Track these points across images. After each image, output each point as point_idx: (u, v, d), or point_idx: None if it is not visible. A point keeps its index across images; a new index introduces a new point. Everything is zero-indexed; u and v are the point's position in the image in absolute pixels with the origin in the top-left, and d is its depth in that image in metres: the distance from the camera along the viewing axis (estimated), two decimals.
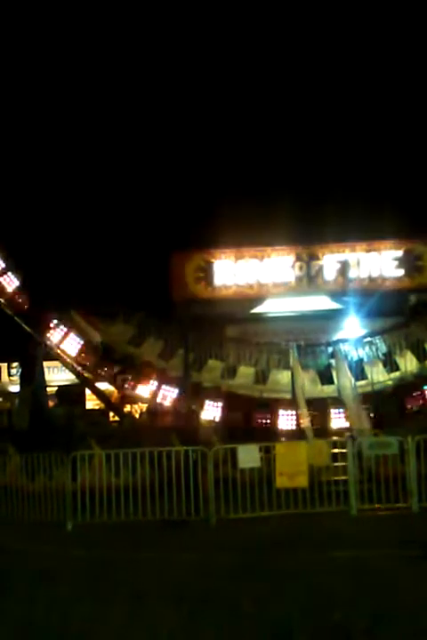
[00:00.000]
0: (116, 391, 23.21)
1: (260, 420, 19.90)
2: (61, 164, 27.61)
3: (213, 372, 21.39)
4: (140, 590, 8.81)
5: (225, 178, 26.85)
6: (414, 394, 20.11)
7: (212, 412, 20.13)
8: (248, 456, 13.99)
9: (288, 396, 20.31)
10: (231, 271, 22.77)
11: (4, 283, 21.76)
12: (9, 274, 21.81)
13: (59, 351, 21.85)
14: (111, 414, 24.28)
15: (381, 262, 22.77)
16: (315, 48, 29.47)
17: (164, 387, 20.75)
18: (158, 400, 20.79)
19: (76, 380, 24.09)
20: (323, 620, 7.31)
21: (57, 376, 28.54)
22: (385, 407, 19.37)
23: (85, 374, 22.40)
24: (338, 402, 19.82)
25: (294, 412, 19.44)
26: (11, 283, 21.85)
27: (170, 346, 21.72)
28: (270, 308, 23.03)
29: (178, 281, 22.48)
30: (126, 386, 21.09)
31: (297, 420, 19.45)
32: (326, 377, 20.93)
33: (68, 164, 27.64)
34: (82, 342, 21.32)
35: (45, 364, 24.78)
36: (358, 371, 20.72)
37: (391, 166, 26.35)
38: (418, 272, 22.58)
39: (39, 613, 7.98)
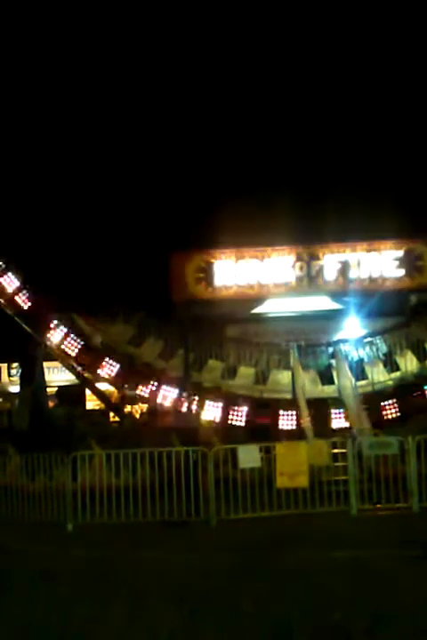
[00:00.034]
0: (115, 391, 23.20)
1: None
2: (61, 164, 27.61)
3: (214, 373, 21.37)
4: (140, 591, 8.81)
5: (225, 178, 26.85)
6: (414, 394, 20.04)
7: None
8: (248, 456, 13.99)
9: (289, 396, 20.31)
10: (232, 271, 22.77)
11: (4, 283, 21.76)
12: (9, 274, 21.81)
13: (58, 351, 21.85)
14: (111, 414, 24.28)
15: (381, 262, 22.78)
16: (315, 47, 29.49)
17: (164, 387, 20.74)
18: (158, 400, 20.78)
19: (76, 381, 24.09)
20: (323, 620, 7.31)
21: (57, 376, 28.55)
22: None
23: (85, 374, 22.40)
24: (339, 402, 19.82)
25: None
26: (11, 283, 21.85)
27: (170, 346, 21.70)
28: (271, 308, 23.03)
29: (178, 281, 22.49)
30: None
31: (297, 419, 19.46)
32: (326, 377, 20.91)
33: (68, 164, 27.65)
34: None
35: (45, 364, 24.80)
36: (359, 371, 20.69)
37: (392, 166, 26.35)
38: (418, 272, 22.59)
39: (39, 613, 7.98)
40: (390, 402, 19.73)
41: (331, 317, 22.76)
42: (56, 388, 27.47)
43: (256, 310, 23.01)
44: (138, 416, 23.09)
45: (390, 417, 19.62)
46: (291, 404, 19.67)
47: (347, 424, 19.08)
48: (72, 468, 14.12)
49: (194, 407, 20.36)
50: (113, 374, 21.17)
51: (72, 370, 22.79)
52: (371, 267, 22.72)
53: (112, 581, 9.39)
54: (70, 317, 21.72)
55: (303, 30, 30.13)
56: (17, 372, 29.55)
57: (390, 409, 19.69)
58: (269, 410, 19.95)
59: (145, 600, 8.32)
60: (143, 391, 20.91)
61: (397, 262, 22.70)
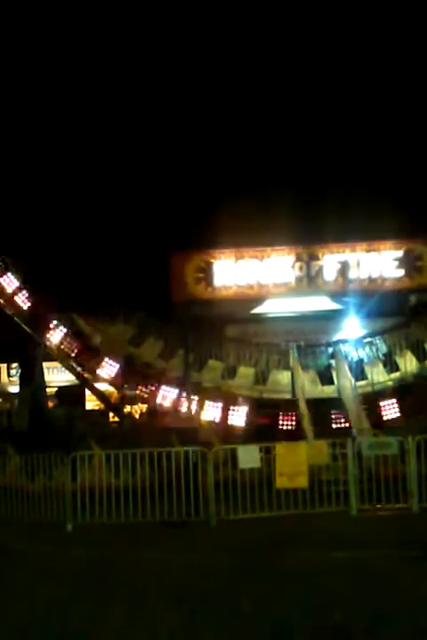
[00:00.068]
0: (115, 391, 23.20)
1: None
2: (61, 164, 27.60)
3: (214, 373, 21.39)
4: (140, 591, 8.81)
5: (225, 178, 26.83)
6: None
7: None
8: (248, 456, 13.99)
9: (288, 396, 20.33)
10: (231, 271, 22.78)
11: (4, 283, 21.77)
12: (9, 274, 21.81)
13: (58, 351, 21.86)
14: (111, 415, 24.27)
15: (381, 263, 22.79)
16: (315, 47, 29.48)
17: (163, 387, 20.74)
18: (158, 400, 20.79)
19: (76, 381, 24.08)
20: (323, 620, 7.31)
21: (56, 377, 28.54)
22: None
23: (85, 375, 22.40)
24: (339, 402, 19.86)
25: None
26: (11, 283, 21.85)
27: (170, 346, 21.72)
28: (270, 308, 23.04)
29: (178, 281, 22.50)
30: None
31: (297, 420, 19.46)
32: (326, 377, 20.94)
33: (68, 164, 27.63)
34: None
35: (45, 364, 24.81)
36: (359, 371, 20.72)
37: (391, 166, 26.33)
38: (418, 272, 22.60)
39: (39, 613, 7.98)
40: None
41: (330, 318, 22.77)
42: (56, 389, 27.47)
43: (256, 310, 23.02)
44: (137, 416, 23.08)
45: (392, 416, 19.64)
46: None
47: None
48: (72, 468, 14.12)
49: (194, 407, 20.36)
50: (113, 374, 21.19)
51: (72, 370, 22.78)
52: (370, 267, 22.74)
53: (112, 581, 9.39)
54: (70, 317, 21.72)
55: (303, 30, 30.12)
56: (16, 373, 29.54)
57: (391, 408, 19.67)
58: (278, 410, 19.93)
59: (145, 600, 8.32)
60: (143, 391, 20.94)
61: (396, 262, 22.71)
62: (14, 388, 29.01)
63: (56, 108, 28.48)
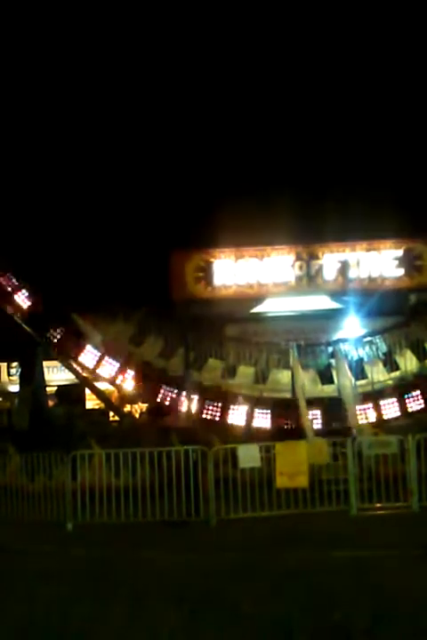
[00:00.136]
0: (115, 391, 23.21)
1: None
2: (61, 163, 27.58)
3: (214, 372, 21.41)
4: (140, 590, 8.81)
5: (225, 177, 26.81)
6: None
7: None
8: (248, 456, 13.99)
9: (288, 395, 20.35)
10: (231, 271, 22.76)
11: (4, 282, 21.76)
12: (9, 274, 21.81)
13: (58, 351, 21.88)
14: (111, 414, 24.29)
15: (381, 262, 22.77)
16: (315, 46, 29.46)
17: (164, 386, 20.76)
18: (158, 399, 20.81)
19: (76, 380, 24.09)
20: (323, 619, 7.31)
21: (57, 376, 28.54)
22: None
23: (85, 374, 22.41)
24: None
25: None
26: (10, 283, 21.85)
27: (170, 345, 21.73)
28: (270, 307, 23.04)
29: (178, 281, 22.48)
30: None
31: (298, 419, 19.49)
32: (326, 377, 20.95)
33: (68, 163, 27.62)
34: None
35: (45, 363, 24.83)
36: (359, 370, 20.74)
37: (391, 165, 26.32)
38: (418, 271, 22.59)
39: (39, 613, 7.98)
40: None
41: (330, 317, 22.77)
42: (56, 388, 27.48)
43: (256, 309, 23.02)
44: (137, 415, 23.10)
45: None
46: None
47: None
48: (72, 467, 14.13)
49: (193, 406, 20.39)
50: (113, 373, 21.23)
51: (72, 369, 22.79)
52: (370, 266, 22.72)
53: (112, 581, 9.40)
54: (70, 316, 21.73)
55: (303, 30, 30.10)
56: (17, 372, 29.53)
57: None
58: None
59: (145, 600, 8.33)
60: (143, 390, 20.96)
61: (396, 262, 22.70)
62: (14, 387, 29.01)
63: (56, 109, 28.47)
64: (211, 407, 20.34)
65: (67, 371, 24.07)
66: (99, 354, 21.41)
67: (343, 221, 22.61)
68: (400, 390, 20.20)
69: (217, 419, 20.19)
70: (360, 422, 19.16)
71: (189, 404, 20.35)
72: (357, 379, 20.53)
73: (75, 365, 22.21)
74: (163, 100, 29.16)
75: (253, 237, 22.83)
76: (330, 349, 21.37)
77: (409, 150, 26.86)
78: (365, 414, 19.56)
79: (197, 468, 13.88)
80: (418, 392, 19.94)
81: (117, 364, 21.20)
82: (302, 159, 27.04)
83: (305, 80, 28.95)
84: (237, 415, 20.15)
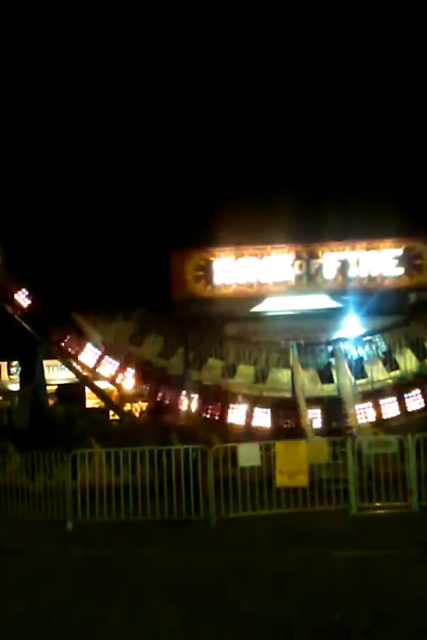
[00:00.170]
0: (115, 390, 23.22)
1: None
2: (61, 162, 27.59)
3: (213, 371, 21.41)
4: (140, 589, 8.83)
5: (225, 176, 26.83)
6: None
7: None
8: (248, 454, 14.01)
9: (288, 394, 20.35)
10: (231, 270, 22.74)
11: (4, 282, 21.77)
12: (8, 273, 21.81)
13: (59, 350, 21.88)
14: (111, 413, 24.30)
15: (380, 261, 22.76)
16: (315, 45, 29.47)
17: (164, 385, 20.78)
18: (158, 399, 20.82)
19: (76, 379, 24.10)
20: (323, 619, 7.32)
21: (57, 375, 28.57)
22: None
23: (85, 373, 22.42)
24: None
25: None
26: (11, 282, 21.85)
27: (170, 344, 21.74)
28: (270, 306, 23.02)
29: (178, 280, 22.46)
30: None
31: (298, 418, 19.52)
32: (325, 376, 20.97)
33: (68, 162, 27.63)
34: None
35: (45, 362, 24.83)
36: (358, 369, 20.76)
37: (391, 164, 26.33)
38: (417, 270, 22.57)
39: (39, 612, 8.00)
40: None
41: (330, 316, 22.75)
42: (56, 387, 27.50)
43: (256, 309, 23.00)
44: (137, 414, 23.11)
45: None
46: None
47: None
48: (72, 466, 14.14)
49: (193, 405, 20.40)
50: (113, 372, 21.25)
51: (72, 368, 22.80)
52: (370, 265, 22.70)
53: (112, 580, 9.41)
54: (70, 315, 21.73)
55: (303, 29, 30.12)
56: (17, 371, 29.56)
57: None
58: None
59: (145, 599, 8.34)
60: (143, 389, 20.97)
61: (396, 261, 22.68)
62: (15, 386, 29.04)
63: (56, 108, 28.48)
64: (211, 406, 20.35)
65: (67, 370, 24.08)
66: (99, 353, 21.42)
67: (343, 220, 22.61)
68: (400, 389, 20.22)
69: (217, 418, 20.19)
70: (360, 421, 19.18)
71: (188, 403, 20.35)
72: (356, 378, 20.55)
73: (75, 364, 22.22)
74: (163, 99, 29.18)
75: (252, 236, 22.82)
76: (330, 348, 21.38)
77: (409, 149, 26.88)
78: (364, 413, 19.57)
79: (196, 467, 13.89)
80: (418, 391, 19.97)
81: (117, 364, 21.20)
82: (302, 158, 27.06)
83: (305, 80, 28.97)
84: (236, 414, 20.16)
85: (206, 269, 22.66)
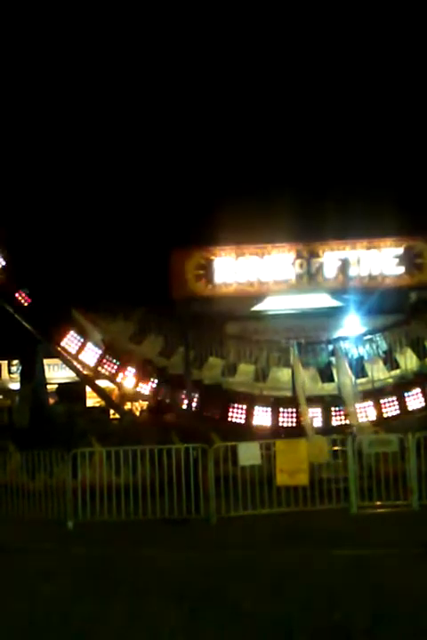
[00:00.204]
0: (116, 389, 23.22)
1: None
2: (61, 162, 27.60)
3: (214, 370, 21.41)
4: (140, 588, 8.83)
5: (225, 175, 26.83)
6: None
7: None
8: (249, 453, 14.01)
9: (289, 393, 20.36)
10: (232, 268, 22.68)
11: (5, 280, 21.76)
12: (9, 272, 21.81)
13: (59, 348, 21.87)
14: (112, 412, 24.29)
15: (381, 260, 22.68)
16: (315, 45, 29.47)
17: (164, 384, 20.78)
18: (159, 398, 20.82)
19: (77, 378, 24.10)
20: (323, 618, 7.32)
21: (57, 373, 28.57)
22: None
23: (85, 372, 22.42)
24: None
25: None
26: (11, 280, 21.85)
27: (170, 343, 21.74)
28: (271, 305, 22.98)
29: (178, 279, 22.40)
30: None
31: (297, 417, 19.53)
32: (326, 375, 20.97)
33: (68, 162, 27.63)
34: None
35: (46, 361, 24.82)
36: (359, 368, 20.75)
37: (392, 163, 26.33)
38: (418, 269, 22.49)
39: (40, 611, 8.00)
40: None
41: (331, 315, 22.72)
42: (56, 386, 27.49)
43: (256, 308, 22.96)
44: (138, 413, 23.12)
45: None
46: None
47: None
48: (72, 465, 14.14)
49: (194, 404, 20.40)
50: (113, 371, 21.25)
51: (72, 367, 22.79)
52: (371, 264, 22.62)
53: (112, 579, 9.42)
54: (70, 314, 21.74)
55: (303, 29, 30.11)
56: (17, 370, 29.56)
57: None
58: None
59: (145, 598, 8.35)
60: (144, 388, 20.97)
61: (397, 260, 22.60)
62: (15, 385, 29.04)
63: (56, 107, 28.48)
64: (211, 405, 20.35)
65: (67, 368, 24.07)
66: (99, 352, 21.43)
67: (344, 219, 22.62)
68: (401, 388, 20.22)
69: (217, 417, 20.19)
70: (360, 420, 19.18)
71: (189, 402, 20.35)
72: (357, 377, 20.54)
73: (75, 363, 22.22)
74: (163, 99, 29.18)
75: (253, 235, 22.78)
76: (330, 347, 21.39)
77: (409, 148, 26.88)
78: (365, 412, 19.57)
79: (197, 466, 13.90)
80: (418, 390, 19.98)
81: (118, 363, 21.20)
82: (303, 157, 27.06)
83: (305, 79, 28.96)
84: (237, 413, 20.16)
85: (207, 268, 22.60)
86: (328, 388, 20.74)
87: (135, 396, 22.20)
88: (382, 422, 19.19)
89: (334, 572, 9.24)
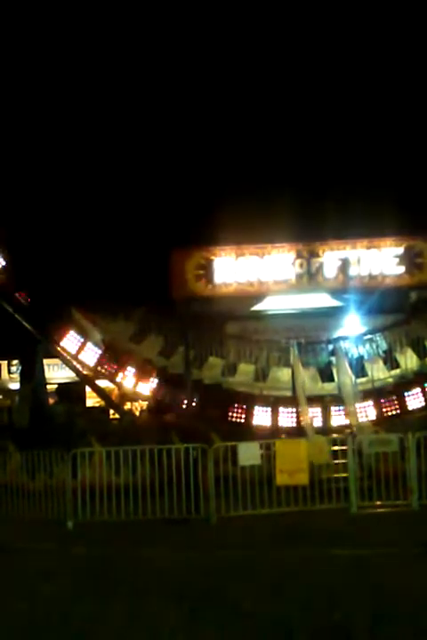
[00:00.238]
0: (116, 389, 23.22)
1: None
2: (61, 161, 27.59)
3: (214, 370, 21.42)
4: (140, 588, 8.82)
5: (225, 175, 26.83)
6: None
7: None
8: (249, 453, 14.01)
9: (289, 393, 20.36)
10: (232, 268, 22.69)
11: (5, 280, 21.76)
12: (9, 271, 21.81)
13: (59, 348, 21.87)
14: (111, 412, 24.29)
15: (381, 259, 22.69)
16: (315, 44, 29.46)
17: (164, 384, 20.79)
18: (159, 397, 20.83)
19: (77, 378, 24.10)
20: (323, 618, 7.32)
21: (57, 373, 28.57)
22: None
23: (85, 372, 22.42)
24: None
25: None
26: (11, 280, 21.84)
27: (170, 343, 21.75)
28: (271, 305, 22.98)
29: (178, 279, 22.41)
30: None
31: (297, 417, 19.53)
32: (326, 374, 20.97)
33: (68, 161, 27.63)
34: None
35: (45, 361, 24.80)
36: (359, 368, 20.76)
37: (392, 163, 26.32)
38: (418, 269, 22.49)
39: (40, 611, 8.00)
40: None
41: (331, 315, 22.72)
42: (56, 386, 27.48)
43: (256, 307, 22.96)
44: (138, 413, 23.12)
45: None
46: None
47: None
48: (72, 465, 14.14)
49: (194, 404, 20.40)
50: (113, 371, 21.26)
51: (72, 367, 22.80)
52: (371, 264, 22.62)
53: (112, 579, 9.41)
54: (70, 314, 21.74)
55: (303, 28, 30.11)
56: (17, 369, 29.56)
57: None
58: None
59: (145, 598, 8.34)
60: (144, 388, 20.98)
61: (397, 259, 22.60)
62: (15, 385, 29.04)
63: (56, 107, 28.48)
64: (211, 405, 20.35)
65: (67, 368, 24.08)
66: (99, 352, 21.43)
67: (344, 219, 22.61)
68: (401, 388, 20.22)
69: (217, 417, 20.19)
70: (360, 420, 19.18)
71: (189, 401, 20.35)
72: (357, 376, 20.54)
73: (75, 363, 22.22)
74: (163, 98, 29.17)
75: (253, 235, 22.78)
76: (330, 347, 21.40)
77: (409, 148, 26.88)
78: (365, 412, 19.57)
79: (197, 466, 13.90)
80: (418, 390, 19.99)
81: (118, 363, 21.20)
82: (303, 157, 27.06)
83: (305, 78, 28.96)
84: (237, 413, 20.16)
85: (207, 268, 22.60)
86: (328, 387, 20.75)
87: (135, 396, 22.20)
88: (382, 422, 19.19)
89: (334, 572, 9.24)
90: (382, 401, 19.89)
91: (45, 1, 29.06)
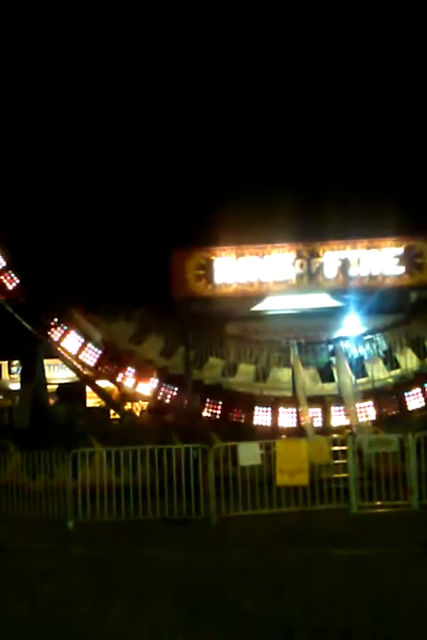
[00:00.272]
0: (116, 389, 23.22)
1: None
2: (61, 161, 27.59)
3: (214, 370, 21.42)
4: (140, 589, 8.84)
5: (225, 175, 26.82)
6: None
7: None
8: (249, 453, 14.01)
9: (289, 393, 20.36)
10: (232, 269, 22.69)
11: (5, 280, 21.77)
12: (9, 271, 21.82)
13: (59, 349, 21.88)
14: (112, 412, 24.30)
15: (381, 260, 22.69)
16: (315, 44, 29.45)
17: (164, 384, 20.79)
18: (159, 398, 20.83)
19: (77, 378, 24.10)
20: (323, 618, 7.33)
21: (58, 374, 28.58)
22: None
23: (86, 372, 22.43)
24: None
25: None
26: (11, 280, 21.86)
27: (170, 343, 21.75)
28: (271, 305, 22.98)
29: (178, 279, 22.41)
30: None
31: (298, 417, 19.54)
32: (326, 374, 20.97)
33: (68, 161, 27.63)
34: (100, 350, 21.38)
35: (46, 361, 24.81)
36: (359, 368, 20.76)
37: (392, 163, 26.32)
38: (418, 269, 22.49)
39: (40, 611, 8.01)
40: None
41: (331, 315, 22.72)
42: (57, 386, 27.50)
43: (256, 308, 22.96)
44: (138, 413, 23.12)
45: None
46: None
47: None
48: (73, 465, 14.14)
49: (194, 404, 20.41)
50: (113, 371, 21.26)
51: (73, 367, 22.81)
52: (371, 264, 22.62)
53: (112, 579, 9.43)
54: (71, 315, 21.74)
55: (303, 28, 30.10)
56: (17, 370, 29.57)
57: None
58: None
59: (145, 598, 8.35)
60: (144, 388, 20.99)
61: (397, 259, 22.60)
62: (15, 386, 29.05)
63: (56, 106, 28.48)
64: (211, 405, 20.36)
65: (68, 369, 24.08)
66: (100, 352, 21.44)
67: (344, 219, 22.60)
68: (401, 388, 20.22)
69: (217, 417, 20.21)
70: (360, 420, 19.19)
71: (189, 402, 20.36)
72: (357, 377, 20.54)
73: (76, 363, 22.23)
74: (163, 98, 29.17)
75: (253, 235, 22.78)
76: (330, 347, 21.40)
77: (410, 148, 26.87)
78: (365, 412, 19.58)
79: (197, 466, 13.91)
80: (418, 390, 19.99)
81: (118, 363, 21.21)
82: (303, 157, 27.05)
83: (305, 78, 28.95)
84: (237, 413, 20.17)
85: (207, 268, 22.60)
86: (328, 387, 20.74)
87: (135, 397, 22.20)
88: (382, 422, 19.19)
89: (334, 571, 9.25)
90: (383, 401, 19.88)
91: (45, 1, 29.06)
